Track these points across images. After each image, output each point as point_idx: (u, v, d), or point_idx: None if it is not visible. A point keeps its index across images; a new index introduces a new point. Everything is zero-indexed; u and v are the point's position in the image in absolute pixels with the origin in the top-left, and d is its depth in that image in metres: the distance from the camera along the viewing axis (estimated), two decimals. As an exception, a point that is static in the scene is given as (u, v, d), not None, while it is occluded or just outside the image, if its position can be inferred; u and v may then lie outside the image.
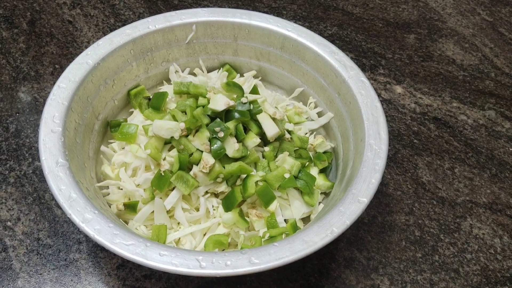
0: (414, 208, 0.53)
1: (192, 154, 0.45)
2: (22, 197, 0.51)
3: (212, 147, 0.44)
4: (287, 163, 0.47)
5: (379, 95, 0.64)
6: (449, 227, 0.52)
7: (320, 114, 0.54)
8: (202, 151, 0.45)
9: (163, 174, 0.44)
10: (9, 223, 0.49)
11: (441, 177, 0.56)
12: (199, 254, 0.36)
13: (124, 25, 0.69)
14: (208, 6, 0.74)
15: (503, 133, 0.61)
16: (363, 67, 0.67)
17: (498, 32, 0.74)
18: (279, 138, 0.49)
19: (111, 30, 0.69)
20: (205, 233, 0.45)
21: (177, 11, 0.53)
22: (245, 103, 0.48)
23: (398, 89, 0.65)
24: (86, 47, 0.66)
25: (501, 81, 0.67)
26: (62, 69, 0.64)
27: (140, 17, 0.71)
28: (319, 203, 0.49)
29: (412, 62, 0.68)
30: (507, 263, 0.50)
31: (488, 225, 0.53)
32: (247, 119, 0.47)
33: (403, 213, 0.53)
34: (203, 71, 0.56)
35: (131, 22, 0.70)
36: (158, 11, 0.72)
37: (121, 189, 0.46)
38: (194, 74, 0.56)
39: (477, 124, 0.62)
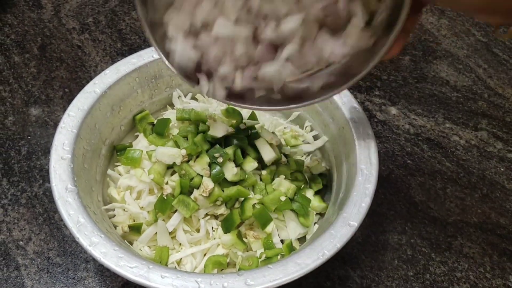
0: (406, 228, 0.55)
1: (193, 178, 0.47)
2: (33, 218, 0.54)
3: (211, 172, 0.47)
4: (283, 186, 0.50)
5: (374, 116, 0.66)
6: (440, 246, 0.54)
7: (316, 137, 0.56)
8: (202, 176, 0.47)
9: (165, 197, 0.47)
10: (21, 243, 0.52)
11: (433, 197, 0.58)
12: (198, 276, 0.39)
13: (130, 49, 0.73)
14: (210, 30, 0.77)
15: (495, 153, 0.63)
16: (359, 89, 0.70)
17: (492, 52, 0.76)
18: (276, 162, 0.51)
19: (118, 54, 0.72)
20: (205, 253, 0.48)
21: (180, 40, 0.56)
22: (243, 129, 0.50)
23: (393, 110, 0.67)
24: (94, 71, 0.70)
25: (494, 102, 0.69)
26: (72, 92, 0.67)
27: (145, 41, 0.74)
28: (315, 223, 0.51)
29: (407, 83, 0.71)
30: (496, 281, 0.52)
31: (478, 244, 0.55)
32: (245, 144, 0.49)
33: (395, 233, 0.55)
34: (204, 96, 0.59)
35: (137, 46, 0.74)
36: (163, 35, 0.75)
37: (126, 211, 0.49)
38: (196, 99, 0.59)
39: (469, 144, 0.64)
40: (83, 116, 0.49)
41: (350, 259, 0.52)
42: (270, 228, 0.48)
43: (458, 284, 0.51)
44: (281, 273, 0.39)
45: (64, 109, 0.62)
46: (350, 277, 0.51)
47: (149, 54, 0.55)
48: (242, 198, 0.48)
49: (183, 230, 0.47)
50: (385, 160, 0.61)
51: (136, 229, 0.47)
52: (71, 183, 0.44)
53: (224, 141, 0.50)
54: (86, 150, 0.49)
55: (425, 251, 0.54)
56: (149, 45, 0.67)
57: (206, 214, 0.48)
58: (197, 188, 0.47)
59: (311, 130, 0.57)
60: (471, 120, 0.67)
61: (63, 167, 0.45)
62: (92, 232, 0.41)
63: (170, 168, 0.49)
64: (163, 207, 0.46)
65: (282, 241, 0.49)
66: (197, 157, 0.48)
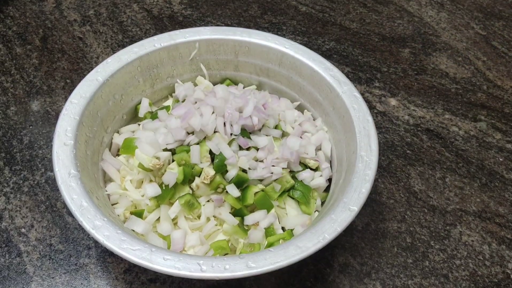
0: (406, 216, 0.56)
1: (194, 166, 0.48)
2: (35, 205, 0.54)
3: (214, 162, 0.48)
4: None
5: (374, 108, 0.67)
6: (439, 234, 0.54)
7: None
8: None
9: (164, 188, 0.47)
10: (23, 230, 0.53)
11: (432, 186, 0.59)
12: (200, 259, 0.39)
13: (131, 41, 0.73)
14: (211, 22, 0.77)
15: (494, 144, 0.63)
16: (359, 80, 0.70)
17: (491, 45, 0.77)
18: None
19: (119, 46, 0.72)
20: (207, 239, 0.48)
21: (181, 30, 0.57)
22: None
23: (393, 101, 0.68)
24: (96, 63, 0.70)
25: (493, 94, 0.70)
26: (73, 83, 0.67)
27: (146, 33, 0.75)
28: (316, 211, 0.51)
29: (407, 75, 0.71)
30: (495, 268, 0.52)
31: (477, 232, 0.55)
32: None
33: (395, 221, 0.55)
34: (205, 77, 0.59)
35: (138, 38, 0.74)
36: (164, 28, 0.75)
37: (128, 197, 0.49)
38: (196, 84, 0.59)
39: (468, 135, 0.64)
40: (85, 103, 0.49)
41: (350, 247, 0.53)
42: (271, 214, 0.48)
43: (457, 271, 0.52)
44: (282, 256, 0.39)
45: (66, 99, 0.62)
46: (350, 264, 0.52)
47: (150, 44, 0.55)
48: (244, 187, 0.48)
49: (185, 217, 0.48)
50: (385, 150, 0.62)
51: (138, 215, 0.48)
52: (74, 168, 0.44)
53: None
54: (89, 137, 0.49)
55: (424, 239, 0.54)
56: (150, 36, 0.67)
57: (208, 201, 0.48)
58: (199, 176, 0.48)
59: (314, 119, 0.57)
60: (470, 111, 0.67)
61: (65, 152, 0.45)
62: (95, 216, 0.41)
63: (168, 151, 0.50)
64: (163, 196, 0.47)
65: (283, 229, 0.50)
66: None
